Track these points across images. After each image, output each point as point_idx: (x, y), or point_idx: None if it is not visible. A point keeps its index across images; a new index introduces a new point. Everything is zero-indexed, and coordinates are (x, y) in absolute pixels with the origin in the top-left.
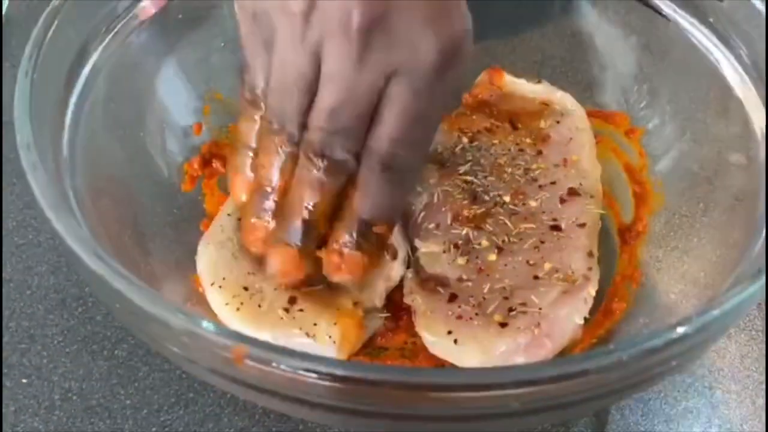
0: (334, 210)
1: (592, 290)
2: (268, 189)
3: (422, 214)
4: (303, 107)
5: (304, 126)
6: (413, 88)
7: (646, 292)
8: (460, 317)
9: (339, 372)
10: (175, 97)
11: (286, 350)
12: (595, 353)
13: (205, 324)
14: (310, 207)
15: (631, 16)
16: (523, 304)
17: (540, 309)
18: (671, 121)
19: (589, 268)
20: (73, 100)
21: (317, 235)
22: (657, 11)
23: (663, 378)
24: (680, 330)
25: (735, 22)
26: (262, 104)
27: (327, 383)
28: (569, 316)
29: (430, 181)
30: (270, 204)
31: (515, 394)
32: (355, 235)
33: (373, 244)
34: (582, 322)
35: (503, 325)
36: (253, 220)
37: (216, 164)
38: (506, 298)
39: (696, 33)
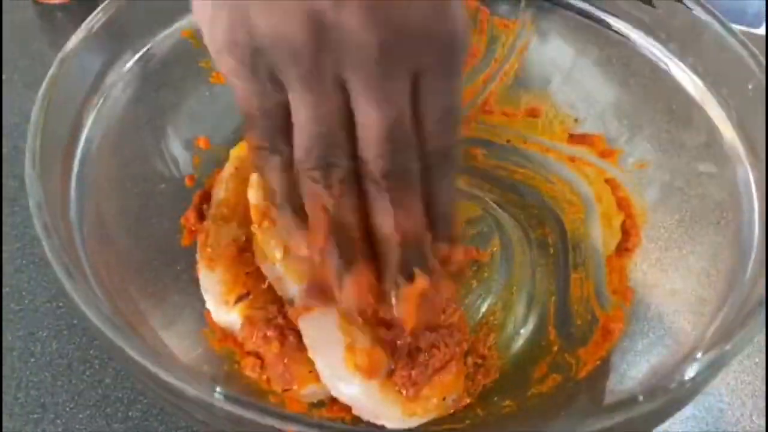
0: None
1: None
2: (350, 233)
3: None
4: (348, 140)
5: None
6: (442, 77)
7: (640, 310)
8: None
9: None
10: (172, 150)
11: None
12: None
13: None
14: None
15: (584, 33)
16: None
17: None
18: (640, 134)
19: None
20: (77, 159)
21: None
22: (611, 29)
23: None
24: (690, 372)
25: (681, 30)
26: (283, 148)
27: None
28: None
29: None
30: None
31: None
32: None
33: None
34: None
35: None
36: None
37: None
38: None
39: (650, 47)
